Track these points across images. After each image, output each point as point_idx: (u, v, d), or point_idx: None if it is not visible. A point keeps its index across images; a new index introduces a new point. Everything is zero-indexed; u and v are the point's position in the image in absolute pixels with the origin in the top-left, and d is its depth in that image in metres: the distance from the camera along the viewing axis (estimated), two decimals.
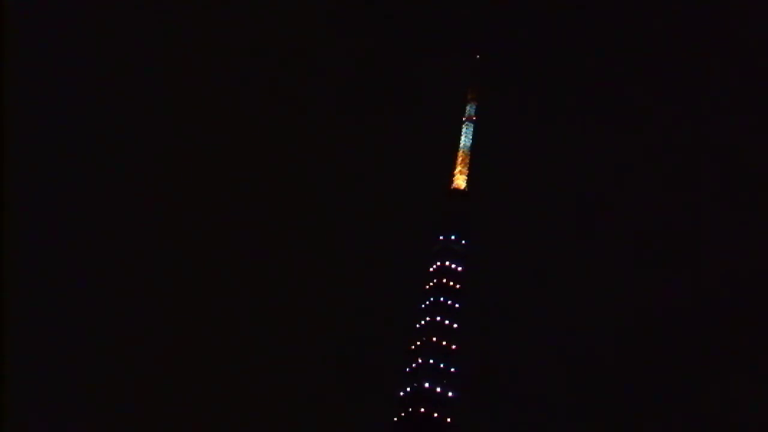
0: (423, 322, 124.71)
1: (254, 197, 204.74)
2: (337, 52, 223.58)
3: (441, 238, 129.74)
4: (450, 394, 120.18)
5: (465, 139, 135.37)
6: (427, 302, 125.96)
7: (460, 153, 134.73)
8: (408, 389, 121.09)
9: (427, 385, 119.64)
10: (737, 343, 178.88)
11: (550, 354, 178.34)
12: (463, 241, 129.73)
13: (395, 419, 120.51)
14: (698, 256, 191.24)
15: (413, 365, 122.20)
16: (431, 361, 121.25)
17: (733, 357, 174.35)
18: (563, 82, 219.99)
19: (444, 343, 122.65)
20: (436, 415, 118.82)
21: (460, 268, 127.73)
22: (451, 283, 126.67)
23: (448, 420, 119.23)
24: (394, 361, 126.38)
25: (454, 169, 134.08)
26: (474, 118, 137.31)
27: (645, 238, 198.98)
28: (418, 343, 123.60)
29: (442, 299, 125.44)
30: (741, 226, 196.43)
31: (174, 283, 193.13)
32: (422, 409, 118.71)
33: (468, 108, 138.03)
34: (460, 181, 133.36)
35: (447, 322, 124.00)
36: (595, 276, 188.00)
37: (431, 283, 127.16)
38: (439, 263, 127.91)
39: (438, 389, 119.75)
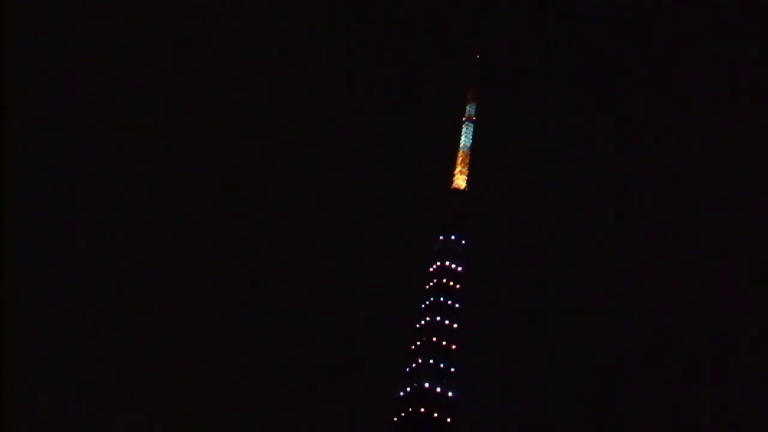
0: (423, 322, 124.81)
1: (254, 197, 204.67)
2: (337, 52, 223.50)
3: (441, 238, 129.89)
4: (450, 394, 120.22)
5: (465, 139, 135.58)
6: (427, 302, 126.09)
7: (460, 153, 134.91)
8: (408, 389, 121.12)
9: (427, 385, 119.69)
10: (739, 343, 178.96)
11: (550, 354, 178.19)
12: (463, 241, 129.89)
13: (395, 419, 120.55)
14: (700, 257, 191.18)
15: (413, 365, 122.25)
16: (431, 361, 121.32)
17: (733, 357, 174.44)
18: (563, 82, 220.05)
19: (444, 343, 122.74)
20: (436, 415, 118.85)
21: (460, 268, 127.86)
22: (451, 283, 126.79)
23: (448, 420, 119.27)
24: (394, 361, 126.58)
25: (454, 169, 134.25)
26: (474, 118, 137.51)
27: (646, 238, 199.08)
28: (418, 343, 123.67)
29: (442, 299, 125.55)
30: (741, 227, 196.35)
31: (173, 283, 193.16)
32: (422, 409, 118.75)
33: (468, 108, 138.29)
34: (460, 181, 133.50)
35: (447, 322, 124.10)
36: (595, 276, 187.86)
37: (431, 283, 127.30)
38: (439, 263, 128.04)
39: (438, 389, 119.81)
